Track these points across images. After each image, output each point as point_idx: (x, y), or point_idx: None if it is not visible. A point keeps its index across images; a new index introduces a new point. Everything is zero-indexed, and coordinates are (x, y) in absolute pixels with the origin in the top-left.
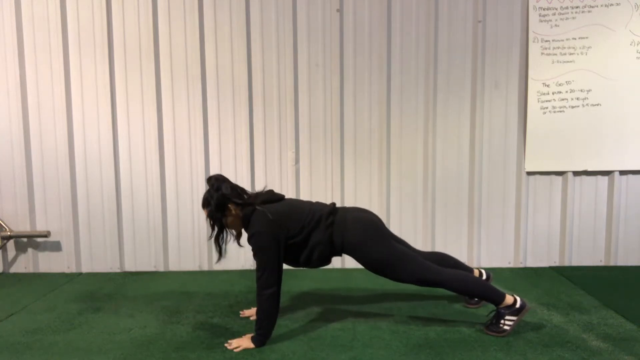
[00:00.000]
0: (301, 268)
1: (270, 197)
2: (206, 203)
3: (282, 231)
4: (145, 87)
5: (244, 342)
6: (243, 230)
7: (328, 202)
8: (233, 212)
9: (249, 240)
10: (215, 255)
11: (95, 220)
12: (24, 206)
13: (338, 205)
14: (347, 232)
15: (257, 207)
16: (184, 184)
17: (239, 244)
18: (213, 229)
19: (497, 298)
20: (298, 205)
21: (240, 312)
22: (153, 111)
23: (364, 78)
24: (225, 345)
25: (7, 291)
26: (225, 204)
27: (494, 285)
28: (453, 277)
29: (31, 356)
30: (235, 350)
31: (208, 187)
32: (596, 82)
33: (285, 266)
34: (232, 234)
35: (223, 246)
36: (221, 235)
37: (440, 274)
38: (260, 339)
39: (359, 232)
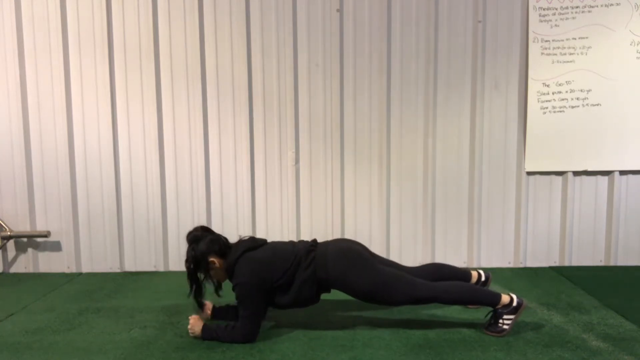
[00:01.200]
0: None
1: (252, 244)
2: (187, 260)
3: (266, 278)
4: (145, 87)
5: (197, 328)
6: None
7: (328, 202)
8: (216, 264)
9: (234, 289)
10: (196, 308)
11: (95, 220)
12: (24, 206)
13: (339, 206)
14: (329, 265)
15: (240, 257)
16: (184, 184)
17: (217, 295)
18: (190, 286)
19: (493, 300)
20: (280, 249)
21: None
22: (153, 111)
23: (364, 78)
24: (189, 318)
25: (7, 291)
26: (206, 259)
27: (493, 285)
28: (446, 291)
29: (31, 356)
30: (189, 331)
31: (190, 246)
32: (596, 82)
33: None
34: (214, 283)
35: (202, 300)
36: (199, 290)
37: (433, 290)
38: (207, 338)
39: (341, 262)
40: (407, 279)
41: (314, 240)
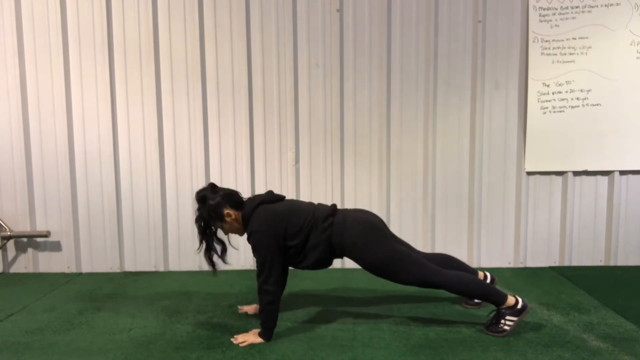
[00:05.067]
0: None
1: (270, 198)
2: (199, 219)
3: (281, 230)
4: (145, 87)
5: (250, 337)
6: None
7: (328, 202)
8: (232, 215)
9: (248, 239)
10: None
11: (95, 220)
12: (24, 206)
13: (339, 206)
14: (346, 233)
15: (256, 208)
16: (184, 184)
17: (223, 260)
18: (201, 242)
19: (499, 299)
20: (298, 206)
21: (239, 308)
22: (153, 111)
23: (364, 78)
24: (232, 340)
25: (7, 291)
26: (221, 212)
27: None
28: (455, 279)
29: (31, 356)
30: (241, 345)
31: (198, 205)
32: (596, 82)
33: None
34: (220, 244)
35: (214, 259)
36: (209, 247)
37: (442, 275)
38: (267, 333)
39: (358, 233)
40: (420, 261)
41: (334, 205)
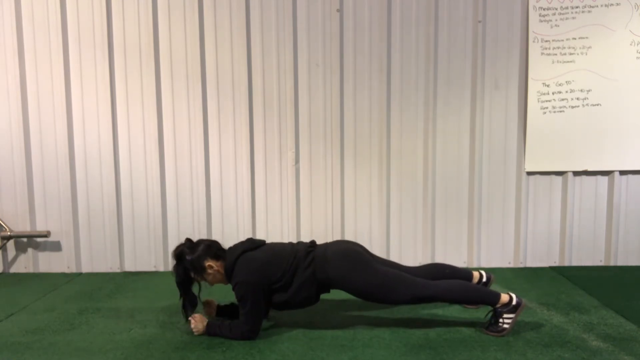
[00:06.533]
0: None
1: (251, 246)
2: (179, 276)
3: (265, 278)
4: (145, 87)
5: (201, 325)
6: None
7: (328, 202)
8: (215, 267)
9: (233, 289)
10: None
11: (95, 220)
12: (24, 206)
13: (338, 202)
14: (329, 267)
15: (239, 257)
16: (184, 184)
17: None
18: (182, 297)
19: (492, 299)
20: (279, 250)
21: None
22: (153, 111)
23: (364, 78)
24: (189, 319)
25: (7, 291)
26: (202, 264)
27: (494, 285)
28: (445, 289)
29: (31, 356)
30: (193, 329)
31: (175, 262)
32: (596, 82)
33: None
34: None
35: (189, 312)
36: (193, 301)
37: (432, 288)
38: (212, 334)
39: (341, 264)
40: (407, 278)
41: (313, 242)
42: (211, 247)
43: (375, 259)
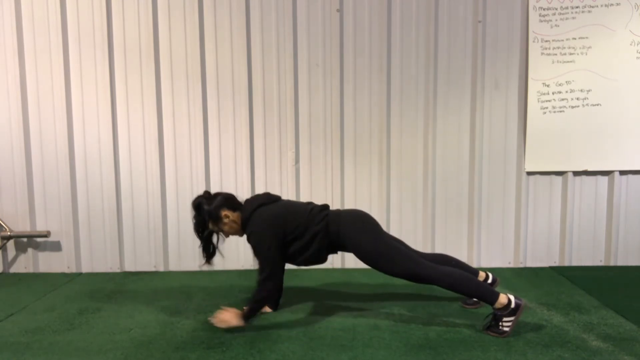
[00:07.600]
0: (301, 267)
1: (267, 200)
2: (197, 225)
3: (280, 229)
4: (145, 87)
5: (233, 319)
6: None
7: (328, 202)
8: (230, 217)
9: (248, 240)
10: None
11: (95, 220)
12: (24, 206)
13: (339, 206)
14: (342, 222)
15: (255, 211)
16: (184, 184)
17: (208, 262)
18: (204, 249)
19: (490, 297)
20: (293, 206)
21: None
22: (153, 111)
23: (363, 78)
24: (210, 319)
25: (7, 291)
26: (219, 214)
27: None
28: (445, 274)
29: (31, 356)
30: (218, 325)
31: (194, 213)
32: (596, 82)
33: (287, 265)
34: (217, 242)
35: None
36: (214, 250)
37: (433, 270)
38: (249, 318)
39: (353, 224)
40: (412, 256)
41: (326, 204)
42: (228, 199)
43: (386, 232)
